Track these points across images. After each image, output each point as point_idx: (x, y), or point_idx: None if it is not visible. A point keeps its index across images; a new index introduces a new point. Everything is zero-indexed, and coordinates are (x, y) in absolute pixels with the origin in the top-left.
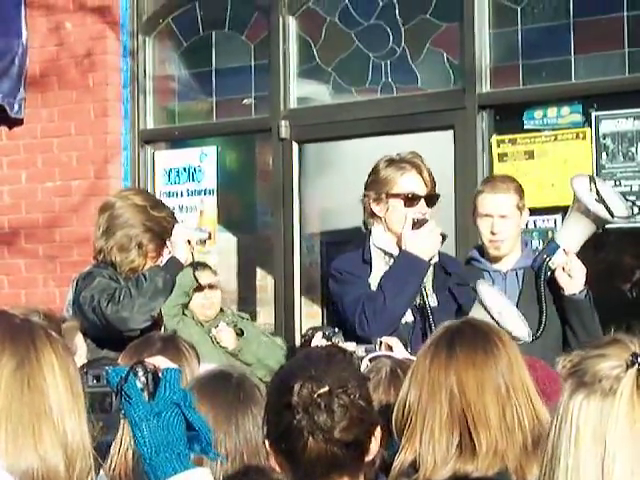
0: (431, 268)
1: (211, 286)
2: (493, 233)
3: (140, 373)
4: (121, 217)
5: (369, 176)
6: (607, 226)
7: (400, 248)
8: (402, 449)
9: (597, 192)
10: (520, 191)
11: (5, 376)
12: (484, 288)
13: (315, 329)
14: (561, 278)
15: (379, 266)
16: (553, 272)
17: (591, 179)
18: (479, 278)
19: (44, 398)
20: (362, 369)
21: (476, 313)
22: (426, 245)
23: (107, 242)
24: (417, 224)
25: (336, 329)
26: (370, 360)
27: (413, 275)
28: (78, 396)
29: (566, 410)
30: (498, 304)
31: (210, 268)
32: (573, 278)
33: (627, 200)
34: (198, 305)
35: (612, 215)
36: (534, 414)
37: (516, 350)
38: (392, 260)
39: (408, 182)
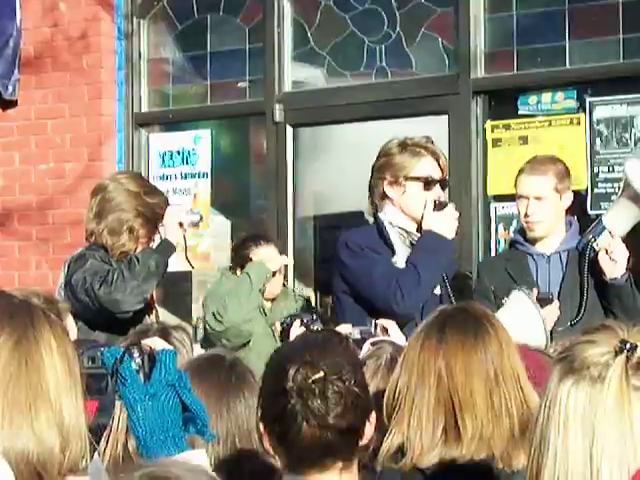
0: None
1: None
2: (527, 215)
3: (136, 354)
4: (113, 200)
5: (379, 159)
6: None
7: (421, 229)
8: (390, 433)
9: None
10: (561, 173)
11: (3, 354)
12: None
13: (293, 316)
14: (603, 261)
15: (399, 244)
16: (597, 254)
17: None
18: (522, 261)
19: (41, 377)
20: (363, 353)
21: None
22: (448, 226)
23: (98, 225)
24: (438, 206)
25: (314, 316)
26: (372, 344)
27: (441, 253)
28: (75, 378)
29: (555, 396)
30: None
31: (272, 242)
32: (615, 262)
33: None
34: None
35: None
36: (523, 401)
37: (508, 336)
38: (409, 239)
39: (426, 166)
